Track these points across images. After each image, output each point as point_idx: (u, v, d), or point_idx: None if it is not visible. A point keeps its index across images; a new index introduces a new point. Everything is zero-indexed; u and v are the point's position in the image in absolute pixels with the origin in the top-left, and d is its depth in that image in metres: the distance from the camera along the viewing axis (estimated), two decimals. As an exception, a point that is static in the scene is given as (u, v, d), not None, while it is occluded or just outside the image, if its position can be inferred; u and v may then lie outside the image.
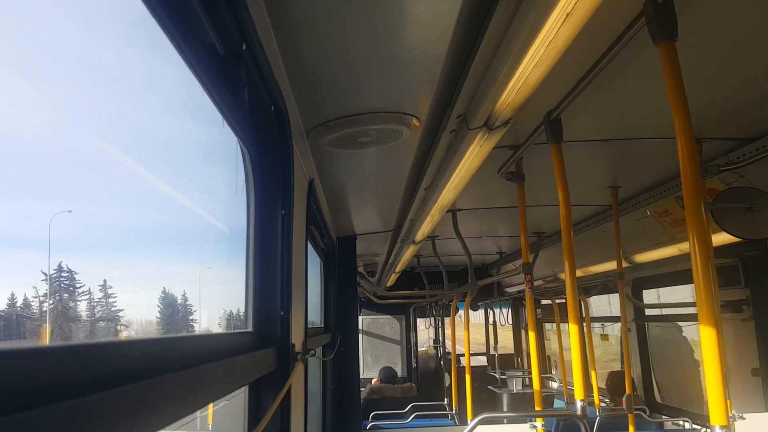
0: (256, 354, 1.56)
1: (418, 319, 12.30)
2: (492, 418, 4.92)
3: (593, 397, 5.22)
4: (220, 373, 1.20)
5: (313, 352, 2.17)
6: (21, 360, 0.58)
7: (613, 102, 2.58)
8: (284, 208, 1.76)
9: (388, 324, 11.40)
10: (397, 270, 6.85)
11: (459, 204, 4.65)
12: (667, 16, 1.65)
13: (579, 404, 2.81)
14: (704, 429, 5.01)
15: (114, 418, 0.70)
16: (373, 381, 8.70)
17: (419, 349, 12.15)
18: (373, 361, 11.07)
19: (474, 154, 2.43)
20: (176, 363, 1.00)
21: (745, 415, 3.86)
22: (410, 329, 11.54)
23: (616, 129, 2.95)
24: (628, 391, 4.37)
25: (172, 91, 1.40)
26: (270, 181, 1.73)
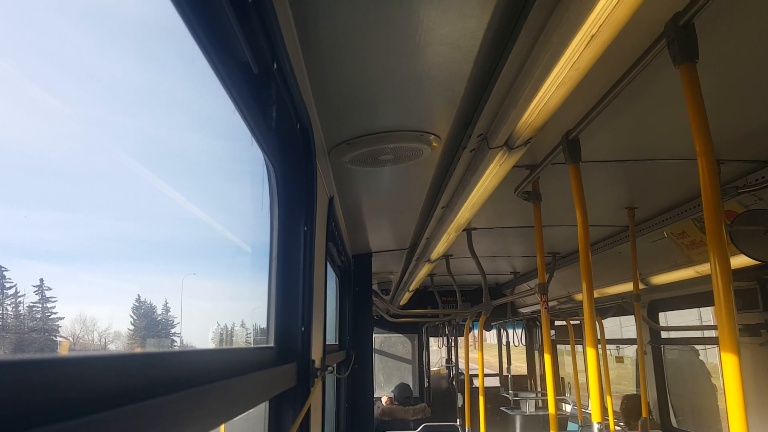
0: (278, 369, 1.57)
1: (431, 339, 12.23)
2: None
3: (608, 420, 5.16)
4: (243, 388, 1.21)
5: (331, 368, 2.17)
6: (42, 371, 0.57)
7: (631, 123, 2.58)
8: (307, 224, 1.78)
9: (401, 343, 11.34)
10: (411, 288, 6.83)
11: (474, 223, 4.65)
12: (688, 39, 1.65)
13: (596, 427, 2.78)
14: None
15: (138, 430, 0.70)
16: (383, 400, 8.46)
17: (431, 369, 12.07)
18: (385, 380, 11.01)
19: (493, 173, 2.44)
20: (200, 377, 1.00)
21: (764, 441, 3.81)
22: (423, 348, 11.48)
23: (634, 150, 2.95)
24: (644, 415, 4.32)
25: (206, 109, 1.42)
26: (294, 198, 1.75)
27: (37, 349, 0.88)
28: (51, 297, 0.79)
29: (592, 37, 1.41)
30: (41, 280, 0.77)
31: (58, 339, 0.90)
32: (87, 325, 1.02)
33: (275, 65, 1.24)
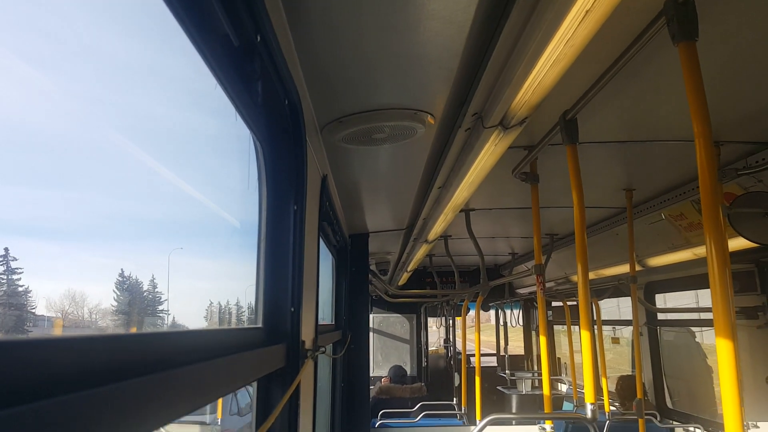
0: (266, 350, 1.55)
1: (429, 319, 12.29)
2: (501, 419, 4.90)
3: (603, 401, 5.18)
4: (230, 369, 1.20)
5: (323, 349, 2.16)
6: (29, 351, 0.58)
7: (629, 103, 2.54)
8: (296, 204, 1.75)
9: (399, 323, 11.40)
10: (409, 269, 6.83)
11: (472, 204, 4.64)
12: (688, 16, 1.62)
13: (589, 407, 2.78)
14: (716, 436, 4.96)
15: (123, 410, 0.70)
16: (382, 380, 8.68)
17: (429, 349, 12.15)
18: (383, 359, 11.07)
19: (489, 152, 2.41)
20: (186, 357, 1.00)
21: (759, 424, 3.82)
22: (421, 329, 11.54)
23: (633, 130, 2.92)
24: (639, 396, 4.33)
25: (185, 82, 1.39)
26: (282, 177, 1.72)
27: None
28: (17, 268, 0.77)
29: (587, 12, 1.37)
30: (6, 249, 0.74)
31: (29, 315, 0.88)
32: (77, 302, 1.01)
33: (258, 38, 1.21)
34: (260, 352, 1.50)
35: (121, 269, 1.14)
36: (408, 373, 10.41)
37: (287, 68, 1.48)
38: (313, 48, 1.74)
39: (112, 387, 0.67)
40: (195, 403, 0.96)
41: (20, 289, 0.83)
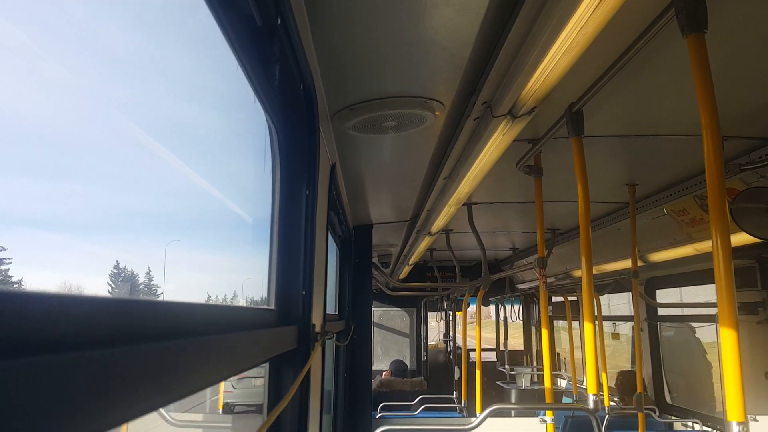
0: (279, 330, 1.57)
1: (429, 313, 12.32)
2: (503, 410, 4.92)
3: (603, 395, 5.21)
4: (244, 345, 1.20)
5: (331, 334, 2.18)
6: (49, 305, 0.58)
7: (635, 97, 2.56)
8: (309, 188, 1.77)
9: (399, 317, 11.43)
10: (410, 262, 6.86)
11: (475, 197, 4.65)
12: (698, 8, 1.63)
13: (591, 398, 2.81)
14: (715, 431, 5.00)
15: (142, 373, 0.70)
16: (383, 374, 8.73)
17: (429, 343, 12.18)
18: (383, 352, 11.11)
19: (496, 143, 2.43)
20: (203, 329, 1.00)
21: (758, 417, 3.85)
22: (421, 322, 11.56)
23: (637, 125, 2.94)
24: (638, 390, 4.36)
25: (210, 69, 1.41)
26: (296, 160, 1.74)
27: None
28: (5, 258, 0.77)
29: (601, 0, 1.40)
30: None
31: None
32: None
33: (279, 21, 1.23)
34: (274, 331, 1.52)
35: (118, 261, 1.15)
36: (408, 367, 10.46)
37: (304, 52, 1.50)
38: (328, 33, 1.76)
39: (129, 348, 0.66)
40: (210, 378, 0.95)
41: (12, 279, 0.83)
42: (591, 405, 2.83)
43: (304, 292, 1.76)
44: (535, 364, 11.00)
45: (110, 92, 1.03)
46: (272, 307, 1.71)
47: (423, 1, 1.58)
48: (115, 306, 0.74)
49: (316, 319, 1.98)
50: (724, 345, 1.67)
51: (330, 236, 3.75)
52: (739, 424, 1.67)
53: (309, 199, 1.78)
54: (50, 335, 0.56)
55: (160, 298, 1.38)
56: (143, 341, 0.71)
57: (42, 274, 0.88)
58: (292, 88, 1.59)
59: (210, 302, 1.80)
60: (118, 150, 1.08)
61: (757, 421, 3.92)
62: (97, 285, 1.11)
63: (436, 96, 2.26)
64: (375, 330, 11.04)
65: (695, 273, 5.21)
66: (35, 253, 0.85)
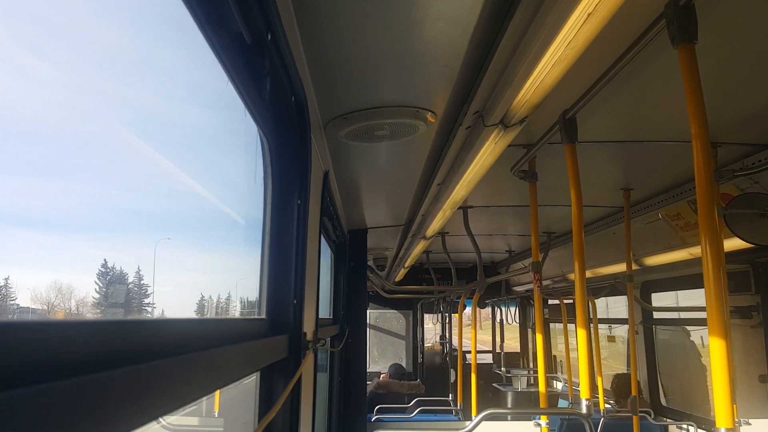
0: (269, 340, 1.58)
1: (425, 316, 12.32)
2: (497, 414, 4.93)
3: (598, 398, 5.22)
4: (234, 357, 1.21)
5: (323, 342, 2.19)
6: (38, 333, 0.58)
7: (628, 104, 2.58)
8: (300, 198, 1.78)
9: (395, 319, 11.43)
10: (406, 265, 6.86)
11: (470, 201, 4.66)
12: (688, 19, 1.64)
13: (584, 403, 2.81)
14: (708, 434, 5.01)
15: (129, 395, 0.70)
16: (381, 376, 8.75)
17: (425, 345, 12.19)
18: (379, 355, 11.11)
19: (489, 151, 2.44)
20: (192, 344, 1.01)
21: (750, 421, 3.87)
22: (417, 325, 11.57)
23: (631, 131, 2.95)
24: (633, 393, 4.37)
25: (198, 79, 1.42)
26: (288, 171, 1.75)
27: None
28: None
29: (589, 15, 1.40)
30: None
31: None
32: (63, 293, 1.02)
33: (269, 36, 1.24)
34: (264, 342, 1.53)
35: (111, 261, 1.16)
36: (405, 370, 10.47)
37: (295, 66, 1.51)
38: (318, 45, 1.77)
39: (117, 371, 0.66)
40: (202, 390, 0.97)
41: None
42: (584, 410, 2.83)
43: (295, 301, 1.77)
44: (531, 366, 11.01)
45: (105, 92, 1.03)
46: (263, 316, 1.72)
47: (414, 14, 1.59)
48: (102, 328, 0.74)
49: (308, 327, 1.98)
50: (713, 353, 1.68)
51: (324, 241, 3.76)
52: (727, 430, 1.68)
53: (301, 208, 1.78)
54: (35, 365, 0.56)
55: (149, 316, 1.38)
56: (132, 363, 0.72)
57: (32, 273, 0.88)
58: (283, 100, 1.60)
59: (204, 305, 1.80)
60: (109, 151, 1.08)
61: (750, 424, 3.93)
62: (87, 284, 1.11)
63: (428, 106, 2.27)
64: (371, 332, 11.05)
65: (690, 277, 5.23)
66: (25, 253, 0.85)
